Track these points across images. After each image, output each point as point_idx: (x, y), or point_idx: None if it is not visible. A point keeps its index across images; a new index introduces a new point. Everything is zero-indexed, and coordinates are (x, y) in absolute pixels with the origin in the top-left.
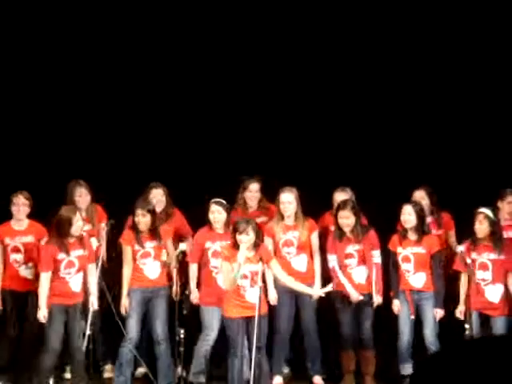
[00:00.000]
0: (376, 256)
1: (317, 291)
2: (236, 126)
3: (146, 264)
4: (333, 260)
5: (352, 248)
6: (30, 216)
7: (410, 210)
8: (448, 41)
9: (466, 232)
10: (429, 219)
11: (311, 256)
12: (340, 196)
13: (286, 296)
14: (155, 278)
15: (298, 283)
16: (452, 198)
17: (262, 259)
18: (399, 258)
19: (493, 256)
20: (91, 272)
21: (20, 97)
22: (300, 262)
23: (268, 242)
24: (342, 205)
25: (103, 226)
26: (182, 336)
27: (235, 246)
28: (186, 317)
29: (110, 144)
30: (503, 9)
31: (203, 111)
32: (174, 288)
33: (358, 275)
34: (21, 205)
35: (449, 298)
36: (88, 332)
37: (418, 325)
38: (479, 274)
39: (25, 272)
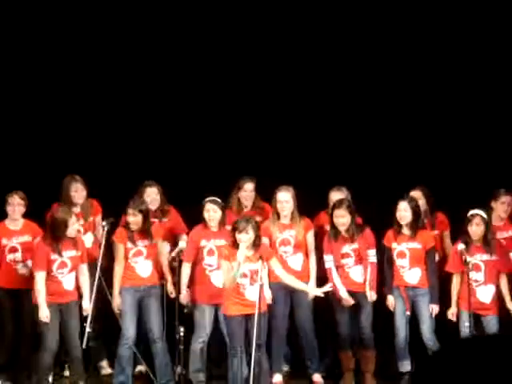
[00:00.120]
0: (372, 255)
1: (315, 290)
2: (230, 124)
3: (138, 263)
4: (329, 261)
5: (348, 247)
6: (24, 215)
7: (406, 206)
8: (445, 42)
9: (458, 233)
10: (424, 220)
11: (306, 255)
12: (336, 195)
13: (280, 294)
14: (147, 276)
15: (299, 281)
16: (445, 198)
17: (261, 257)
18: (394, 254)
19: (485, 257)
20: (83, 272)
21: (14, 97)
22: (296, 261)
23: (264, 241)
24: (338, 204)
25: (104, 225)
26: (181, 334)
27: (235, 244)
28: (185, 315)
29: (106, 143)
30: (497, 9)
31: (198, 110)
32: (169, 287)
33: (355, 274)
34: (16, 205)
35: (442, 297)
36: (88, 330)
37: (413, 321)
38: (471, 275)
39: (22, 270)
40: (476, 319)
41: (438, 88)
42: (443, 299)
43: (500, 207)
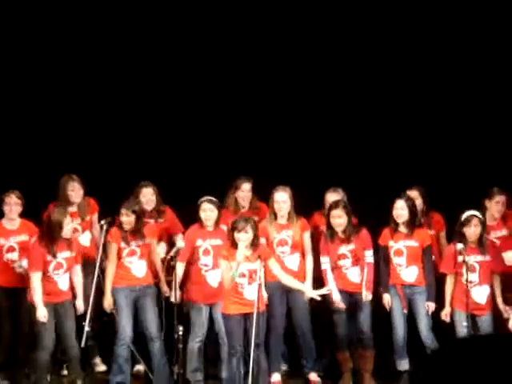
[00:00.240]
0: (368, 256)
1: (312, 292)
2: (225, 124)
3: (133, 263)
4: (326, 262)
5: (345, 248)
6: (20, 215)
7: (403, 204)
8: (440, 42)
9: (452, 233)
10: (421, 219)
11: (303, 255)
12: (332, 196)
13: (277, 293)
14: (142, 276)
15: (296, 281)
16: (438, 198)
17: (260, 257)
18: (391, 252)
19: (480, 258)
20: (76, 272)
21: (11, 97)
22: (293, 261)
23: (261, 241)
24: (334, 204)
25: (102, 224)
26: (180, 333)
27: (233, 244)
28: (184, 314)
29: (102, 142)
30: (490, 8)
31: (194, 110)
32: (163, 286)
33: (353, 275)
34: (13, 204)
35: (438, 297)
36: (87, 329)
37: (411, 320)
38: (466, 276)
39: (20, 269)
40: (471, 319)
41: (434, 89)
42: (439, 299)
43: (494, 207)
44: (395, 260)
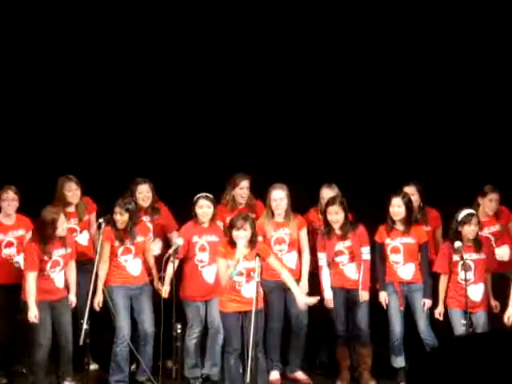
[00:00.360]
0: (365, 252)
1: (304, 299)
2: (221, 122)
3: (128, 261)
4: (322, 258)
5: (342, 245)
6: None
7: (399, 201)
8: (436, 40)
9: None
10: (418, 216)
11: (299, 253)
12: (327, 192)
13: (275, 291)
14: (138, 274)
15: (294, 284)
16: (432, 194)
17: (259, 256)
18: (388, 250)
19: (475, 256)
20: (71, 267)
21: (8, 96)
22: (291, 259)
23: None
24: (331, 201)
25: (101, 222)
26: (178, 331)
27: (231, 242)
28: (182, 312)
29: (98, 140)
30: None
31: (190, 107)
32: (157, 283)
33: (350, 272)
34: (10, 200)
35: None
36: (85, 327)
37: (408, 318)
38: (462, 275)
39: (17, 265)
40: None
41: (430, 86)
42: (434, 297)
43: (487, 204)
44: (392, 257)
